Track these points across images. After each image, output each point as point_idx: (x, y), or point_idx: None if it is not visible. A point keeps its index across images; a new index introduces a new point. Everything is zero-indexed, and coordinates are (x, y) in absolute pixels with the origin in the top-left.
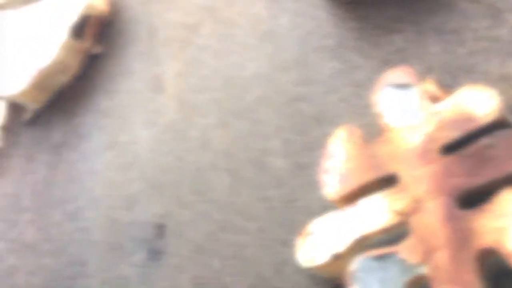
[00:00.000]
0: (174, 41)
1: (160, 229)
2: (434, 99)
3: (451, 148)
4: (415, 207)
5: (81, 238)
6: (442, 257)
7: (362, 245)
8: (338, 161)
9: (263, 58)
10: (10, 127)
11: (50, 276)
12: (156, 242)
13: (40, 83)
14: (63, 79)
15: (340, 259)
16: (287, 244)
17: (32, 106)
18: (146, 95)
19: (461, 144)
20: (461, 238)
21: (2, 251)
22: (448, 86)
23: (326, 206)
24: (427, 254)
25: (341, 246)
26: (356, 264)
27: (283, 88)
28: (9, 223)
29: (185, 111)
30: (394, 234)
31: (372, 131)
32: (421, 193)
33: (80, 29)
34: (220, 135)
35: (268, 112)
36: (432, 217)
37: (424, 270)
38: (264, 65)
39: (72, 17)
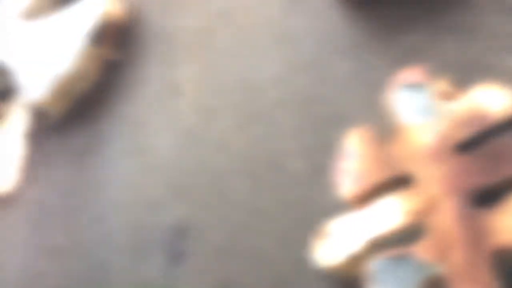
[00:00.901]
0: (191, 45)
1: (182, 232)
2: (448, 97)
3: (465, 146)
4: (430, 207)
5: (105, 242)
6: (458, 256)
7: (378, 245)
8: (354, 162)
9: (278, 60)
10: (34, 134)
11: (76, 280)
12: (178, 245)
13: (61, 90)
14: (84, 86)
15: (357, 259)
16: (305, 245)
17: (54, 113)
18: (165, 100)
19: (476, 142)
20: (476, 237)
21: (29, 256)
22: (462, 84)
23: (343, 207)
24: (443, 254)
25: (357, 246)
26: (372, 264)
27: (298, 89)
28: (36, 228)
29: (203, 115)
30: (411, 234)
31: (387, 131)
32: (436, 192)
33: (99, 36)
34: (237, 138)
35: (285, 114)
36: (447, 217)
37: (440, 270)
38: (279, 67)
39: (91, 25)
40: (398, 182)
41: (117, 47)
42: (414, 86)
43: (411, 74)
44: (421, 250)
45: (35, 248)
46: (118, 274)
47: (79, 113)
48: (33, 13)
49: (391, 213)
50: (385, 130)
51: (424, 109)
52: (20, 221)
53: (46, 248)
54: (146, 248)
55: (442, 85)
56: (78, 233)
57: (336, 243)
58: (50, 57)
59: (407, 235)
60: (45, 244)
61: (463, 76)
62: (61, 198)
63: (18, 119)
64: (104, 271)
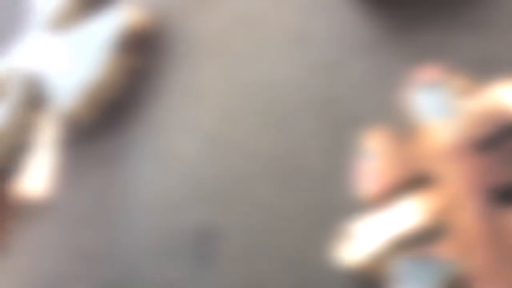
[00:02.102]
0: (212, 50)
1: (208, 235)
2: (467, 95)
3: (486, 144)
4: (452, 206)
5: (134, 246)
6: (481, 256)
7: (400, 245)
8: (373, 162)
9: (297, 62)
10: (64, 141)
11: (105, 284)
12: (205, 247)
13: (90, 98)
14: (112, 93)
15: (379, 260)
16: (329, 246)
17: (84, 120)
18: (188, 105)
19: (496, 140)
20: (499, 236)
21: (61, 260)
22: (481, 81)
23: (364, 207)
24: (466, 253)
25: (379, 247)
26: (395, 265)
27: (318, 91)
28: (68, 233)
29: (225, 118)
30: (433, 234)
31: (406, 130)
32: (457, 191)
33: (124, 45)
34: (259, 140)
35: (305, 116)
36: (469, 216)
37: (463, 269)
38: (298, 69)
39: (117, 34)
40: (418, 181)
41: (142, 54)
42: (432, 85)
43: (429, 72)
44: (444, 250)
45: (66, 252)
46: (146, 277)
47: (107, 120)
48: (61, 23)
49: (412, 213)
50: (404, 130)
51: (442, 108)
52: (52, 226)
53: (77, 252)
54: (173, 251)
55: (460, 82)
56: (108, 237)
57: (358, 243)
58: (79, 66)
59: (429, 235)
60: (76, 248)
61: (482, 73)
62: (91, 203)
63: (50, 127)
64: (133, 275)
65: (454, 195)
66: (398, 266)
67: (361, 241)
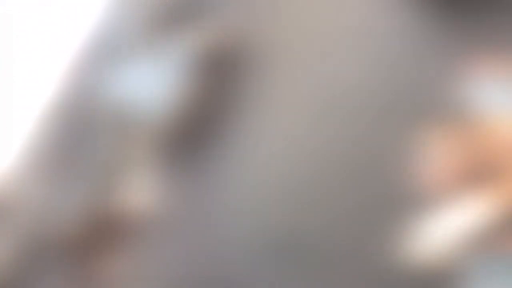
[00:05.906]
0: (285, 61)
1: (296, 236)
2: None
3: None
4: None
5: (222, 252)
6: None
7: (472, 241)
8: (440, 157)
9: (365, 63)
10: (157, 157)
11: (208, 285)
12: (289, 252)
13: (178, 116)
14: (199, 109)
15: (447, 257)
16: (395, 243)
17: (175, 138)
18: (269, 114)
19: None
20: None
21: (167, 268)
22: None
23: (433, 203)
24: None
25: (446, 243)
26: (466, 261)
27: (385, 89)
28: (171, 243)
29: (304, 124)
30: (504, 228)
31: (469, 123)
32: None
33: (207, 62)
34: (337, 142)
35: (363, 117)
36: None
37: None
38: (370, 70)
39: (198, 52)
40: (486, 175)
41: (226, 70)
42: (496, 75)
43: (488, 63)
44: None
45: (171, 261)
46: (243, 279)
47: (197, 134)
48: (143, 44)
49: (483, 207)
50: (467, 122)
51: (504, 99)
52: (157, 239)
53: (180, 260)
54: (260, 255)
55: None
56: (199, 244)
57: (429, 241)
58: (164, 86)
59: (502, 229)
60: (179, 256)
61: None
62: (189, 213)
63: (143, 147)
64: (222, 280)
65: None
66: (470, 262)
67: (432, 238)
